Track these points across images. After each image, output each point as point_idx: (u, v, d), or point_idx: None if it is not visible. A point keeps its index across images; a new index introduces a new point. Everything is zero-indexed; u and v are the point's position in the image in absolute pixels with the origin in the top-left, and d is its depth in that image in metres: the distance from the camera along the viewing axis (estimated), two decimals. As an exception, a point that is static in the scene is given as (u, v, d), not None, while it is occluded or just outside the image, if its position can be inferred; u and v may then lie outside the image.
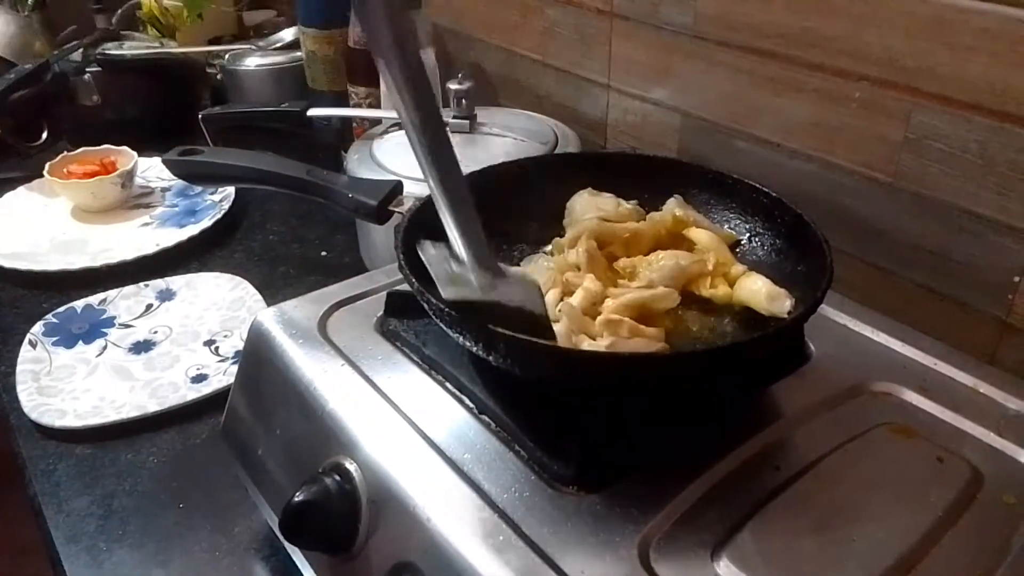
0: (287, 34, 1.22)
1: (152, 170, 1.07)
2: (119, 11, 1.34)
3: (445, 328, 0.44)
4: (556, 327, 0.45)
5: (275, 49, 1.20)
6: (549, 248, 0.56)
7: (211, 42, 1.34)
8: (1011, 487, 0.42)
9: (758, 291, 0.49)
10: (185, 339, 0.78)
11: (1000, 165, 0.55)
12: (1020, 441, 0.44)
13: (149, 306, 0.83)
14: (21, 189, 1.05)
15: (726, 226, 0.57)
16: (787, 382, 0.48)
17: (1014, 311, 0.57)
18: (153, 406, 0.68)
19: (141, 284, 0.84)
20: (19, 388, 0.70)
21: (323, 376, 0.49)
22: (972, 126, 0.56)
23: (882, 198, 0.63)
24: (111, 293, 0.83)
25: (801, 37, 0.65)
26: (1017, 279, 0.56)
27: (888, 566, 0.37)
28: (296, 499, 0.42)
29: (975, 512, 0.40)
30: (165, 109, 1.21)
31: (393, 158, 0.78)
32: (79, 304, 0.82)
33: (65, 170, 1.01)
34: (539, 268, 0.53)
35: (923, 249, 0.62)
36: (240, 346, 0.75)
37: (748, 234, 0.56)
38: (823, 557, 0.38)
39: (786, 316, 0.47)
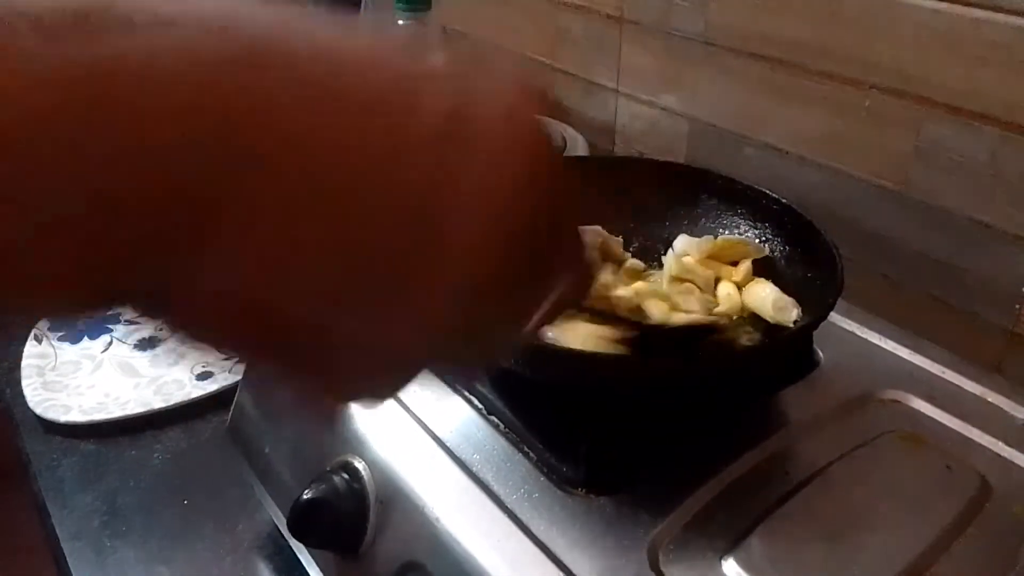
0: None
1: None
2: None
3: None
4: None
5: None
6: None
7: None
8: (1020, 497, 0.42)
9: (765, 299, 0.49)
10: (190, 337, 0.78)
11: (1010, 175, 0.55)
12: (1028, 451, 0.44)
13: (155, 303, 0.82)
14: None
15: (735, 232, 0.57)
16: (796, 389, 0.48)
17: (1021, 321, 0.57)
18: (158, 403, 0.68)
19: (147, 281, 0.84)
20: (24, 383, 0.70)
21: (332, 375, 0.48)
22: (982, 136, 0.56)
23: (891, 207, 0.63)
24: (117, 290, 0.83)
25: (812, 46, 0.65)
26: (1025, 290, 0.57)
27: (896, 573, 0.37)
28: (304, 497, 0.42)
29: (983, 522, 0.40)
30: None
31: (402, 159, 0.78)
32: (85, 300, 0.82)
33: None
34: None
35: (931, 259, 0.62)
36: (246, 345, 0.75)
37: (757, 241, 0.56)
38: (831, 563, 0.38)
39: (791, 325, 0.47)
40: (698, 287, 0.51)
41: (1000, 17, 0.53)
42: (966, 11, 0.55)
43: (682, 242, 0.54)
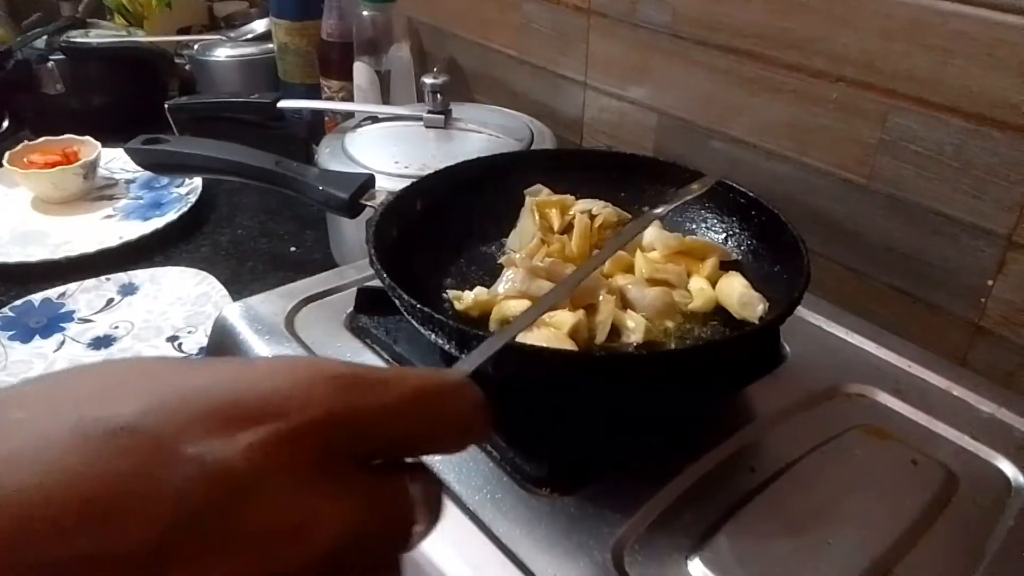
0: (259, 25, 1.19)
1: (116, 161, 1.04)
2: (85, -2, 1.30)
3: (417, 325, 0.42)
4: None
5: (246, 40, 1.18)
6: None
7: (180, 32, 1.31)
8: (985, 490, 0.42)
9: (731, 294, 0.49)
10: (147, 335, 0.75)
11: (975, 168, 0.55)
12: (994, 444, 0.44)
13: (110, 300, 0.80)
14: (-21, 178, 1.02)
15: (703, 225, 0.56)
16: (762, 383, 0.48)
17: (986, 314, 0.57)
18: (113, 403, 0.66)
19: (102, 278, 0.82)
20: (-28, 384, 0.67)
21: (289, 373, 0.47)
22: (948, 128, 0.56)
23: (857, 200, 0.63)
24: (71, 286, 0.80)
25: (779, 38, 0.65)
26: (990, 282, 0.56)
27: (864, 569, 0.37)
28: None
29: (950, 515, 0.40)
30: (131, 99, 1.18)
31: (365, 152, 0.76)
32: (37, 297, 0.79)
33: (25, 159, 0.98)
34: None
35: (897, 251, 0.62)
36: (205, 343, 0.73)
37: (725, 234, 0.56)
38: (798, 560, 0.37)
39: (757, 321, 0.46)
40: (672, 285, 0.50)
41: (966, 9, 0.53)
42: (932, 3, 0.55)
43: (651, 234, 0.54)
